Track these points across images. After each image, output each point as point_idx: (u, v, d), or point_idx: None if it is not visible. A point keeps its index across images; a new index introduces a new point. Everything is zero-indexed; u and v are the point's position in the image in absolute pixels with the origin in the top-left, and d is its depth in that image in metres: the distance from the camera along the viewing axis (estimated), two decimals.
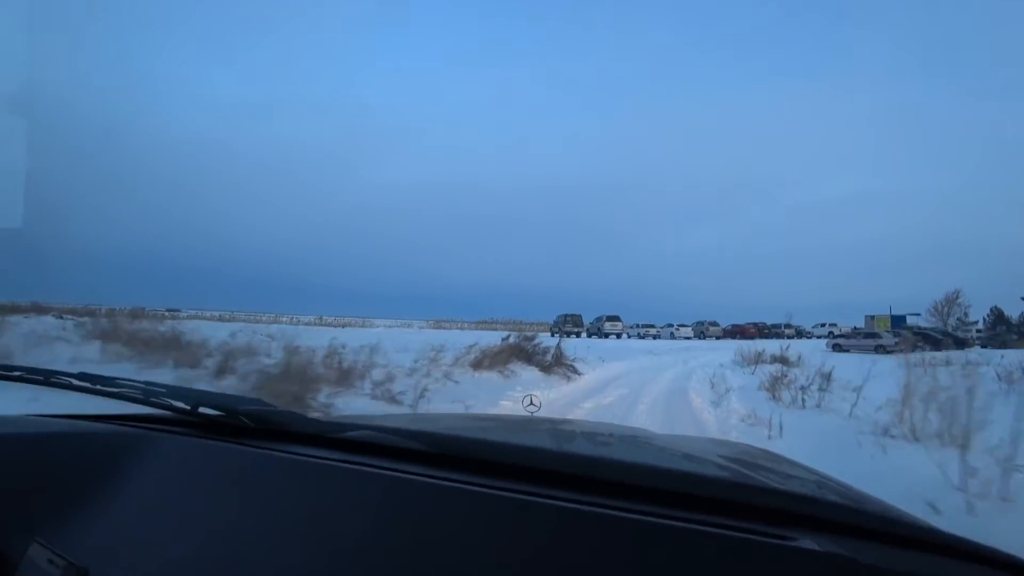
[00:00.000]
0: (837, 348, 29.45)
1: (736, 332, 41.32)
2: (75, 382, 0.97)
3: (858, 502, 0.72)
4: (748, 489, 0.62)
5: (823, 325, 47.45)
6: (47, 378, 0.99)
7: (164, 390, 0.94)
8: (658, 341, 34.44)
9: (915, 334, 28.44)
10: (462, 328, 47.94)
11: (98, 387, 0.95)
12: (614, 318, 37.90)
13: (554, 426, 1.32)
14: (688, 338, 38.63)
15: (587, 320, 40.99)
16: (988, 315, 54.96)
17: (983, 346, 33.40)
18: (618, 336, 37.65)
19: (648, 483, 0.60)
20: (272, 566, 0.57)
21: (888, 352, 22.90)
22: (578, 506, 0.56)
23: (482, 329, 51.94)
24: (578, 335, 38.64)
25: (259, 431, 0.86)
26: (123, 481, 0.75)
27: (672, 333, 39.11)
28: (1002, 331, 40.69)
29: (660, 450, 1.08)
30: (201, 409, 0.90)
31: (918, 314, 57.95)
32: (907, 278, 79.11)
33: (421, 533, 0.57)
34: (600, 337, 37.49)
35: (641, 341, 34.11)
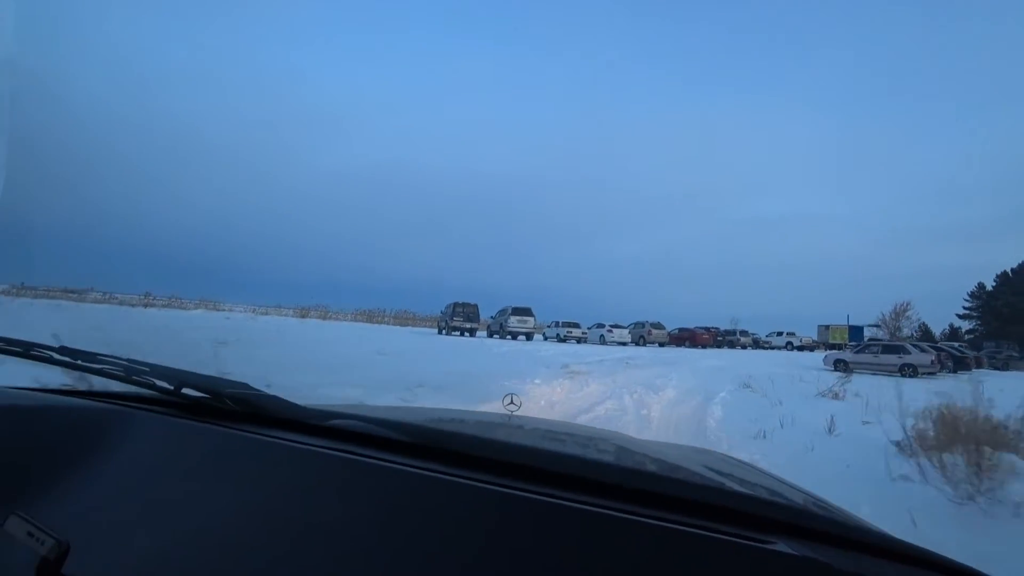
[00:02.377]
0: (841, 367, 19.72)
1: (685, 338, 31.61)
2: (55, 356, 0.95)
3: (830, 511, 0.74)
4: (727, 493, 0.63)
5: (780, 334, 39.25)
6: (26, 350, 0.97)
7: (147, 368, 0.93)
8: (583, 347, 23.64)
9: (938, 351, 19.64)
10: (325, 318, 35.29)
11: (79, 362, 0.94)
12: (523, 312, 27.00)
13: (535, 425, 1.32)
14: (623, 343, 28.36)
15: (489, 313, 29.93)
16: (917, 331, 51.44)
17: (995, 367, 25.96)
18: (528, 337, 26.81)
19: (628, 483, 0.61)
20: (254, 547, 0.57)
21: (921, 375, 17.89)
22: (557, 501, 0.57)
23: (360, 321, 42.32)
24: (472, 332, 27.18)
25: (243, 414, 0.86)
26: (105, 458, 0.75)
27: (603, 336, 28.82)
28: (1006, 349, 33.94)
29: (640, 453, 1.08)
30: (185, 390, 0.89)
31: (877, 325, 52.88)
32: (839, 294, 77.27)
33: (402, 520, 0.58)
34: (503, 337, 26.44)
35: (560, 346, 23.10)
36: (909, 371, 18.30)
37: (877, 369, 19.09)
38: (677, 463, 0.95)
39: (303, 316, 36.08)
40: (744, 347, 35.02)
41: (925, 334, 50.81)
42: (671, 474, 0.73)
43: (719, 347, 32.68)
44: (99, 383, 0.97)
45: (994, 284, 57.46)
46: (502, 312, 27.82)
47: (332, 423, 0.82)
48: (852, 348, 20.30)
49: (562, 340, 28.35)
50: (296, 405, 0.88)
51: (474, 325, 27.24)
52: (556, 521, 0.54)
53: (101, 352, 0.97)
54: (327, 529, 0.57)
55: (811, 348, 38.49)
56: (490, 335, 28.37)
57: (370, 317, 42.19)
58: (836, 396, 9.33)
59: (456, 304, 27.75)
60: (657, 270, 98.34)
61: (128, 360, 0.95)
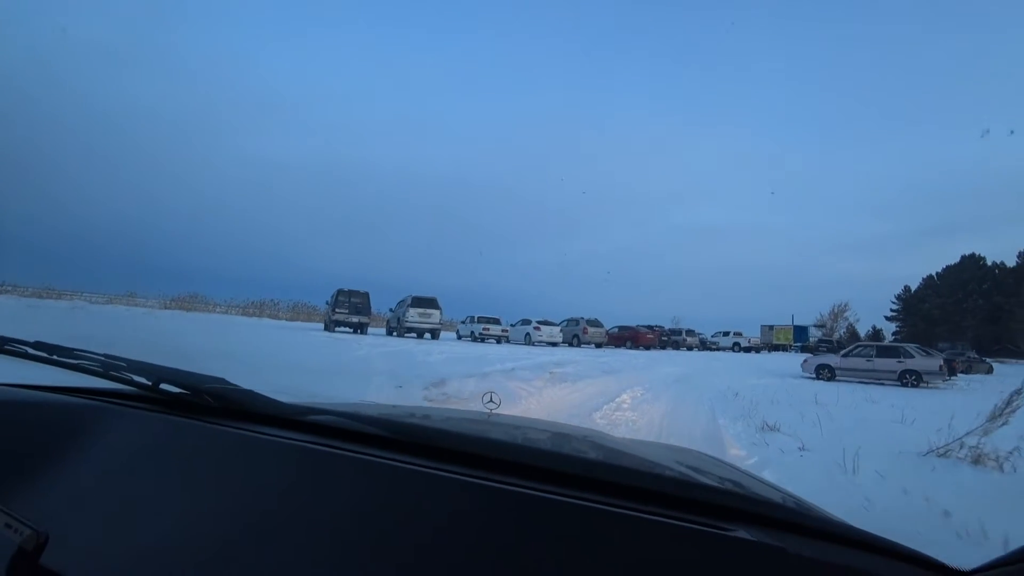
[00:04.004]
0: (825, 373, 15.16)
1: (626, 337, 26.74)
2: (31, 351, 0.94)
3: (790, 503, 0.77)
4: (691, 485, 0.67)
5: (726, 334, 35.54)
6: (0, 346, 0.95)
7: (124, 364, 0.92)
8: (502, 349, 18.06)
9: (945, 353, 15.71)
10: (189, 310, 27.65)
11: (55, 357, 0.93)
12: (425, 303, 21.04)
13: (513, 423, 1.28)
14: (553, 344, 23.07)
15: (385, 306, 23.77)
16: (845, 332, 50.69)
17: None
18: (434, 335, 20.90)
19: (599, 476, 0.63)
20: (234, 540, 0.58)
21: (925, 384, 14.39)
22: (533, 493, 0.59)
23: (249, 315, 35.13)
24: (361, 329, 20.99)
25: (222, 410, 0.85)
26: (83, 453, 0.75)
27: (528, 335, 23.29)
28: (963, 350, 31.60)
29: (613, 448, 1.10)
30: (163, 385, 0.88)
31: (821, 326, 51.14)
32: (773, 297, 78.37)
33: (383, 511, 0.59)
34: (400, 335, 20.43)
35: (470, 348, 17.40)
36: (912, 379, 14.07)
37: (871, 377, 14.79)
38: (649, 458, 0.97)
39: (165, 308, 28.50)
40: (690, 348, 30.81)
41: (852, 335, 49.97)
42: (640, 467, 0.75)
43: (663, 348, 28.20)
44: (76, 379, 0.94)
45: (918, 288, 57.86)
46: (401, 303, 21.72)
47: (311, 418, 0.82)
48: (850, 350, 15.82)
49: (478, 339, 22.68)
50: (275, 401, 0.87)
51: (363, 319, 21.02)
52: (532, 511, 0.56)
53: (78, 347, 0.96)
54: (308, 521, 0.58)
55: (757, 349, 35.24)
56: (389, 332, 22.27)
57: (260, 310, 35.07)
58: (978, 460, 4.17)
59: (340, 292, 21.39)
60: (595, 272, 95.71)
61: (105, 355, 0.94)
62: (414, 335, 20.99)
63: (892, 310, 60.32)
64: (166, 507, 0.64)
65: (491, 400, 1.41)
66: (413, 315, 20.51)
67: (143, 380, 0.89)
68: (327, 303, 22.45)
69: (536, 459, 0.67)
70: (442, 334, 21.73)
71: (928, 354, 15.04)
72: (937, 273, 56.91)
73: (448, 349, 15.03)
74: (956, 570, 0.51)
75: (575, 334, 24.58)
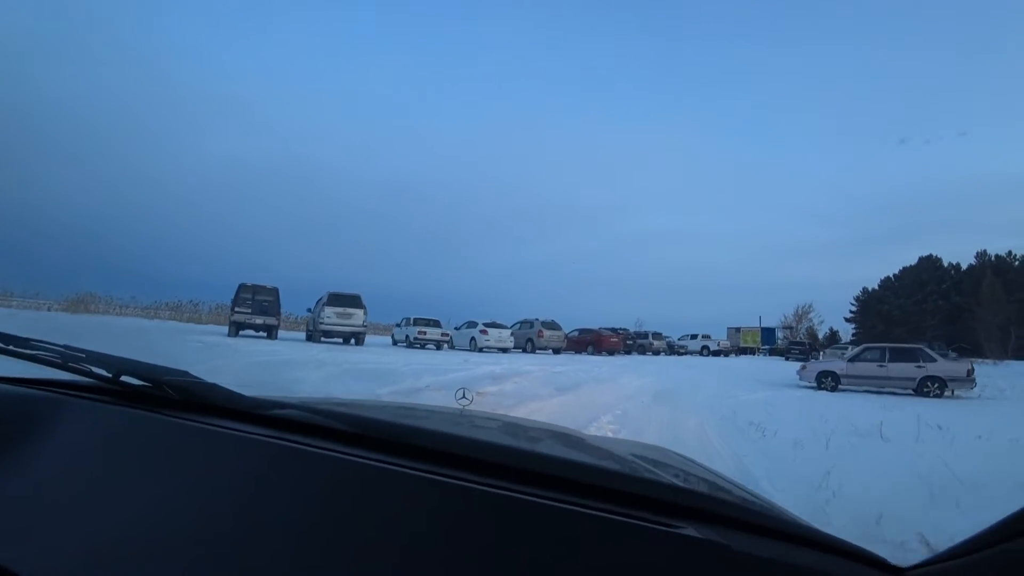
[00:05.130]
0: (828, 382, 12.37)
1: (587, 341, 23.52)
2: None
3: (741, 500, 0.77)
4: (642, 482, 0.66)
5: (694, 336, 33.07)
6: None
7: (83, 355, 0.90)
8: (438, 357, 14.61)
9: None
10: (75, 312, 22.80)
11: (11, 348, 0.90)
12: (346, 300, 17.22)
13: (483, 420, 1.29)
14: (504, 349, 19.66)
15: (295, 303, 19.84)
16: (804, 334, 49.89)
17: None
18: (357, 340, 17.11)
19: (557, 473, 0.63)
20: (193, 534, 0.57)
21: (950, 393, 11.77)
22: (491, 489, 0.59)
23: (151, 317, 29.60)
24: (270, 332, 17.11)
25: (184, 403, 0.84)
26: (40, 446, 0.73)
27: (474, 340, 19.79)
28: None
29: (576, 446, 1.11)
30: (123, 377, 0.86)
31: (789, 327, 49.77)
32: (730, 300, 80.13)
33: (344, 507, 0.59)
34: (319, 340, 16.64)
35: (399, 356, 13.88)
36: (935, 388, 11.41)
37: (883, 385, 12.09)
38: (610, 455, 0.97)
39: (50, 309, 23.50)
40: (657, 352, 28.05)
41: (812, 337, 49.03)
42: (593, 464, 0.76)
43: (628, 352, 25.29)
44: (33, 370, 0.92)
45: (876, 289, 57.73)
46: (318, 302, 17.83)
47: (275, 412, 0.80)
48: (860, 352, 13.05)
49: (415, 346, 19.05)
50: (239, 394, 0.86)
51: (270, 320, 17.04)
52: (488, 507, 0.57)
53: (35, 337, 0.94)
54: (268, 517, 0.58)
55: (726, 353, 32.95)
56: (309, 336, 18.31)
57: (178, 312, 30.31)
58: None
59: (242, 288, 17.21)
60: (552, 276, 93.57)
61: (64, 346, 0.93)
62: (335, 340, 17.25)
63: (851, 311, 60.05)
64: (124, 501, 0.63)
65: (464, 396, 1.39)
66: (330, 316, 16.70)
67: (103, 372, 0.86)
68: (233, 299, 18.30)
69: (493, 454, 0.67)
70: (374, 339, 18.02)
71: (953, 358, 12.44)
72: (894, 275, 56.89)
73: (356, 359, 11.41)
74: (894, 566, 0.53)
75: (529, 338, 21.23)
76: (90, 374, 0.87)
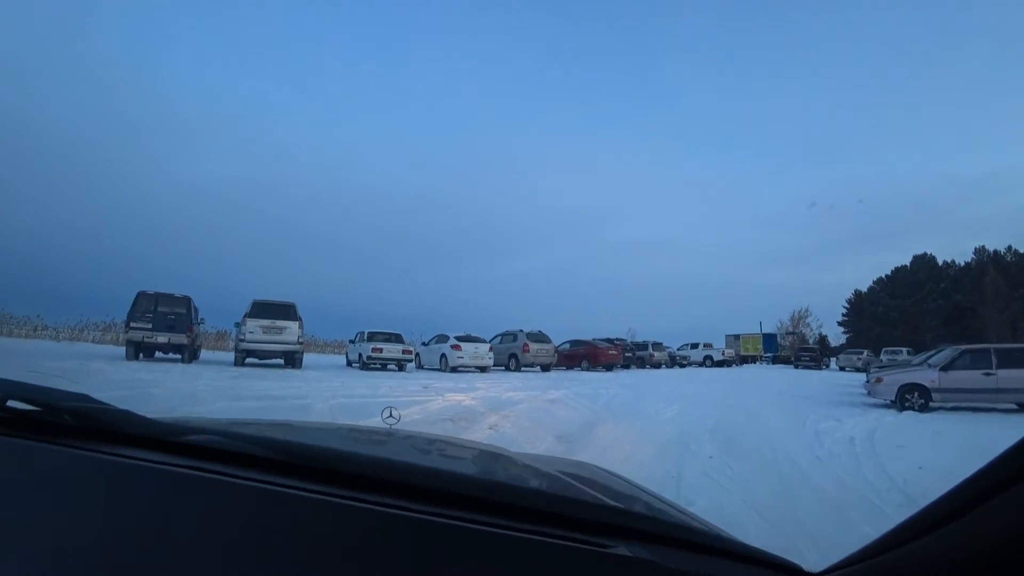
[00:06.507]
0: (915, 399, 8.87)
1: (582, 355, 19.92)
2: None
3: (671, 518, 0.77)
4: (574, 503, 0.66)
5: (695, 346, 29.94)
6: None
7: None
8: (384, 384, 10.91)
9: None
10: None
11: None
12: (274, 310, 13.39)
13: (411, 441, 1.24)
14: (481, 368, 16.08)
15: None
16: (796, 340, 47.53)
17: None
18: (292, 362, 13.25)
19: (485, 495, 0.62)
20: (93, 573, 0.53)
21: None
22: (413, 515, 0.58)
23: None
24: (184, 352, 13.30)
25: (82, 431, 0.75)
26: None
27: (444, 357, 16.12)
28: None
29: (505, 466, 1.08)
30: (10, 403, 0.77)
31: (793, 332, 47.07)
32: (717, 307, 75.22)
33: (261, 540, 0.56)
34: (242, 362, 12.89)
35: (329, 382, 10.10)
36: None
37: (993, 400, 8.92)
38: (537, 474, 0.96)
39: None
40: (658, 365, 24.74)
41: (802, 341, 46.61)
42: (524, 484, 0.74)
43: (626, 367, 21.90)
44: None
45: (869, 291, 55.80)
46: (247, 313, 13.99)
47: (188, 439, 0.74)
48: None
49: (369, 366, 15.34)
50: (148, 419, 0.79)
51: (178, 339, 13.13)
52: (414, 533, 0.56)
53: None
54: (177, 552, 0.53)
55: (730, 363, 29.85)
56: (130, 354, 14.12)
57: (104, 333, 26.06)
58: None
59: (140, 297, 13.13)
60: (539, 287, 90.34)
61: None
62: (273, 362, 13.54)
63: (844, 315, 57.97)
64: (11, 545, 0.55)
65: (391, 415, 1.35)
66: (254, 331, 12.89)
67: None
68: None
69: (417, 477, 0.65)
70: (324, 359, 14.28)
71: None
72: (887, 275, 55.05)
73: (257, 390, 7.82)
74: (807, 572, 0.55)
75: (512, 354, 17.68)
76: None
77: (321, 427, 1.31)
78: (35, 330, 24.28)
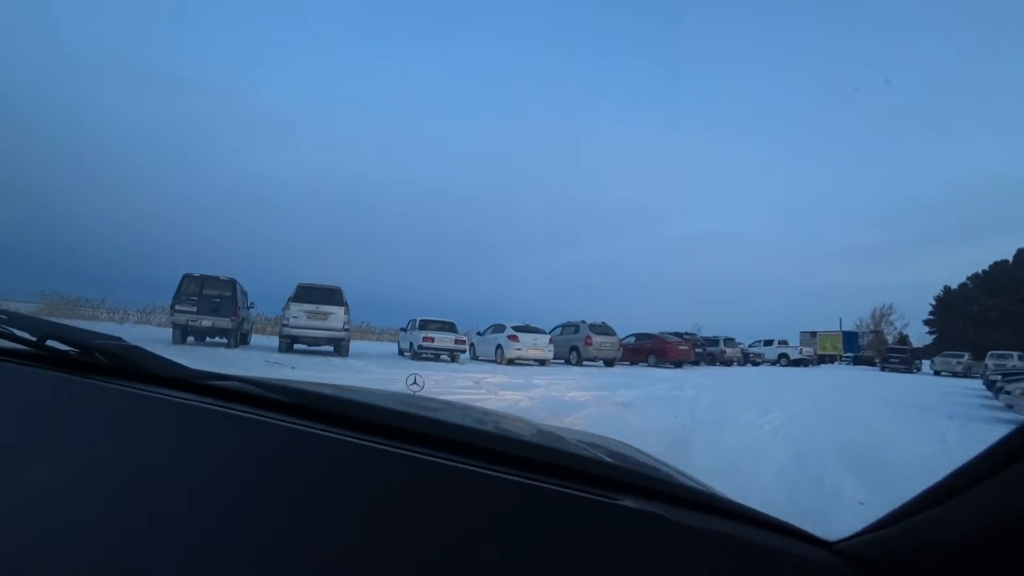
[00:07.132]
0: None
1: (649, 350, 18.30)
2: None
3: (679, 479, 0.79)
4: (586, 459, 0.68)
5: (768, 343, 27.52)
6: None
7: (5, 317, 0.87)
8: (434, 378, 9.73)
9: None
10: None
11: None
12: (319, 295, 12.68)
13: (431, 402, 1.22)
14: (541, 361, 14.76)
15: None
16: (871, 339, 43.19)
17: None
18: (338, 349, 12.62)
19: (500, 448, 0.65)
20: (125, 498, 0.56)
21: None
22: (433, 459, 0.59)
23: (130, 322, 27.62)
24: (227, 338, 12.74)
25: (114, 370, 0.80)
26: None
27: (500, 349, 14.97)
28: None
29: (522, 426, 1.08)
30: (49, 342, 0.82)
31: (877, 331, 43.22)
32: (784, 304, 73.21)
33: (281, 474, 0.58)
34: (288, 348, 12.21)
35: (364, 373, 9.14)
36: None
37: None
38: (551, 436, 0.98)
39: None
40: (729, 363, 22.63)
41: (880, 341, 42.42)
42: (542, 442, 0.77)
43: (696, 364, 19.97)
44: None
45: (958, 288, 50.33)
46: (291, 298, 13.18)
47: (214, 383, 0.79)
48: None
49: (420, 356, 14.31)
50: (174, 363, 0.82)
51: (223, 323, 12.62)
52: (430, 476, 0.57)
53: None
54: (199, 479, 0.57)
55: (807, 362, 27.13)
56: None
57: (143, 316, 26.73)
58: None
59: (186, 279, 12.85)
60: (599, 281, 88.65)
61: None
62: (323, 348, 12.86)
63: (930, 314, 52.64)
64: (47, 464, 0.60)
65: (415, 382, 1.41)
66: (298, 316, 12.22)
67: (26, 335, 0.83)
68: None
69: (444, 432, 0.67)
70: (379, 346, 13.44)
71: None
72: (983, 271, 49.44)
73: (287, 380, 6.85)
74: (822, 540, 0.55)
75: (573, 346, 16.37)
76: (12, 337, 0.84)
77: (343, 387, 1.21)
78: (95, 310, 25.05)
